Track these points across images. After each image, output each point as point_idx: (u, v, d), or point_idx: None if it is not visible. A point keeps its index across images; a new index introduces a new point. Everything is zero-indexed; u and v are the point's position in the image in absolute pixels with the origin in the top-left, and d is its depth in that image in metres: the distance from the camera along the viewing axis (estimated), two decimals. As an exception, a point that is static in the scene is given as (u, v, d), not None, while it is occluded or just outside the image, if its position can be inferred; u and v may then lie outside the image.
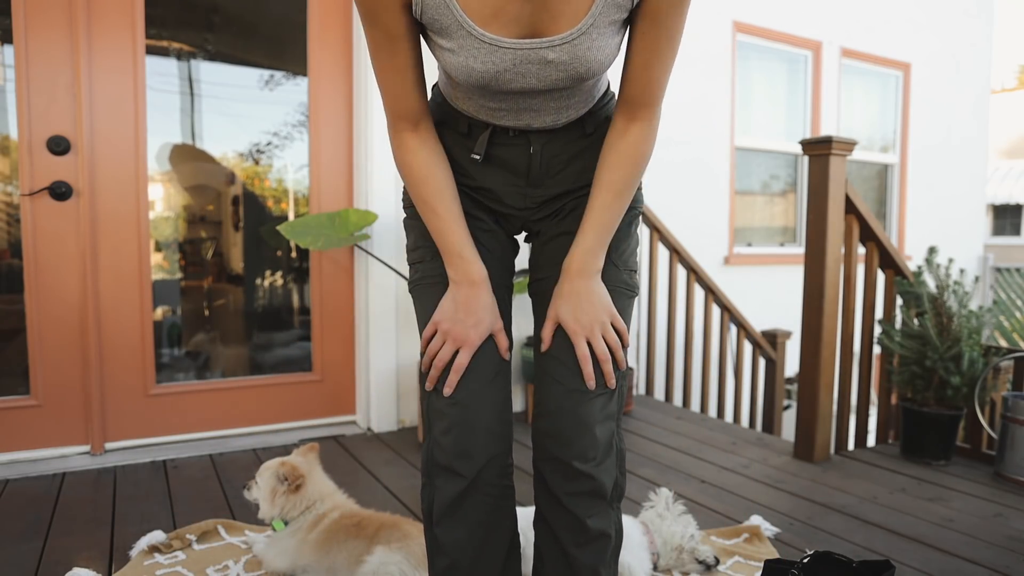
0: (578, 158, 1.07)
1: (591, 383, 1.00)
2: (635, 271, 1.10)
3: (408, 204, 1.11)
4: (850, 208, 2.62)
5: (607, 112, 1.08)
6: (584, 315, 1.01)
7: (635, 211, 1.11)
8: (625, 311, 1.08)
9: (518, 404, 3.21)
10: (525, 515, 1.59)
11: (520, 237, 1.20)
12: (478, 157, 1.03)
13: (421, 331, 1.07)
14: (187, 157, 2.67)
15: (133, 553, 1.74)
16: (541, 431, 1.04)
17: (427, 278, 1.06)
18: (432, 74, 1.31)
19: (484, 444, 1.00)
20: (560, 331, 1.04)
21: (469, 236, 1.03)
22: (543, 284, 1.09)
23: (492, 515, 1.04)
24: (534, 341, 1.09)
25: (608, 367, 1.01)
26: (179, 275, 2.69)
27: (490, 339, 1.05)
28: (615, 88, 1.08)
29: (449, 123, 1.07)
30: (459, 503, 1.02)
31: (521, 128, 1.03)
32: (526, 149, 1.05)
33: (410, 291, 1.12)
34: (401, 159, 1.03)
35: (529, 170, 1.06)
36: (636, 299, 1.11)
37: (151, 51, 2.56)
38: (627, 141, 1.00)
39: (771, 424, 3.77)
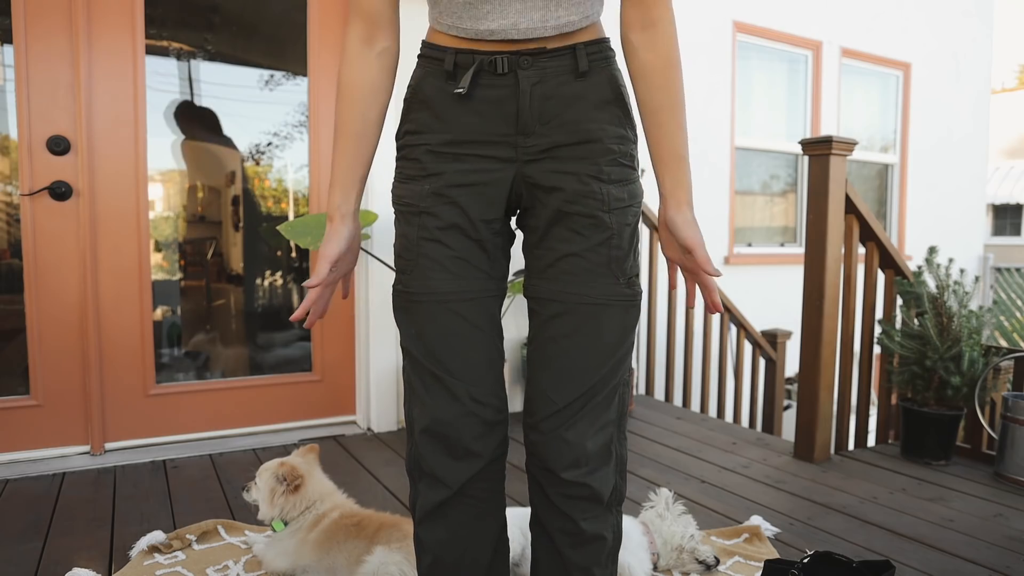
0: (572, 106, 0.99)
1: (719, 309, 1.01)
2: (637, 275, 1.05)
3: (395, 201, 1.05)
4: (850, 208, 2.62)
5: (603, 57, 1.01)
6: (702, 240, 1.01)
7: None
8: (625, 321, 1.02)
9: (516, 405, 3.20)
10: (526, 515, 1.59)
11: (507, 240, 1.11)
12: (462, 90, 0.97)
13: (402, 345, 1.03)
14: (193, 128, 2.67)
15: (133, 553, 1.74)
16: (532, 442, 1.02)
17: (406, 295, 1.02)
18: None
19: (472, 455, 0.99)
20: (547, 344, 1.01)
21: (354, 172, 1.03)
22: (537, 289, 1.03)
23: (476, 518, 1.03)
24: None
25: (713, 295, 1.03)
26: (179, 275, 2.69)
27: (489, 342, 1.01)
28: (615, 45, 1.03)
29: (434, 70, 1.01)
30: (441, 509, 1.01)
31: (507, 34, 0.96)
32: (515, 90, 0.98)
33: (392, 299, 1.08)
34: (341, 68, 1.02)
35: (518, 114, 0.98)
36: (638, 303, 1.07)
37: (151, 51, 2.56)
38: (657, 52, 0.97)
39: (771, 424, 3.78)
